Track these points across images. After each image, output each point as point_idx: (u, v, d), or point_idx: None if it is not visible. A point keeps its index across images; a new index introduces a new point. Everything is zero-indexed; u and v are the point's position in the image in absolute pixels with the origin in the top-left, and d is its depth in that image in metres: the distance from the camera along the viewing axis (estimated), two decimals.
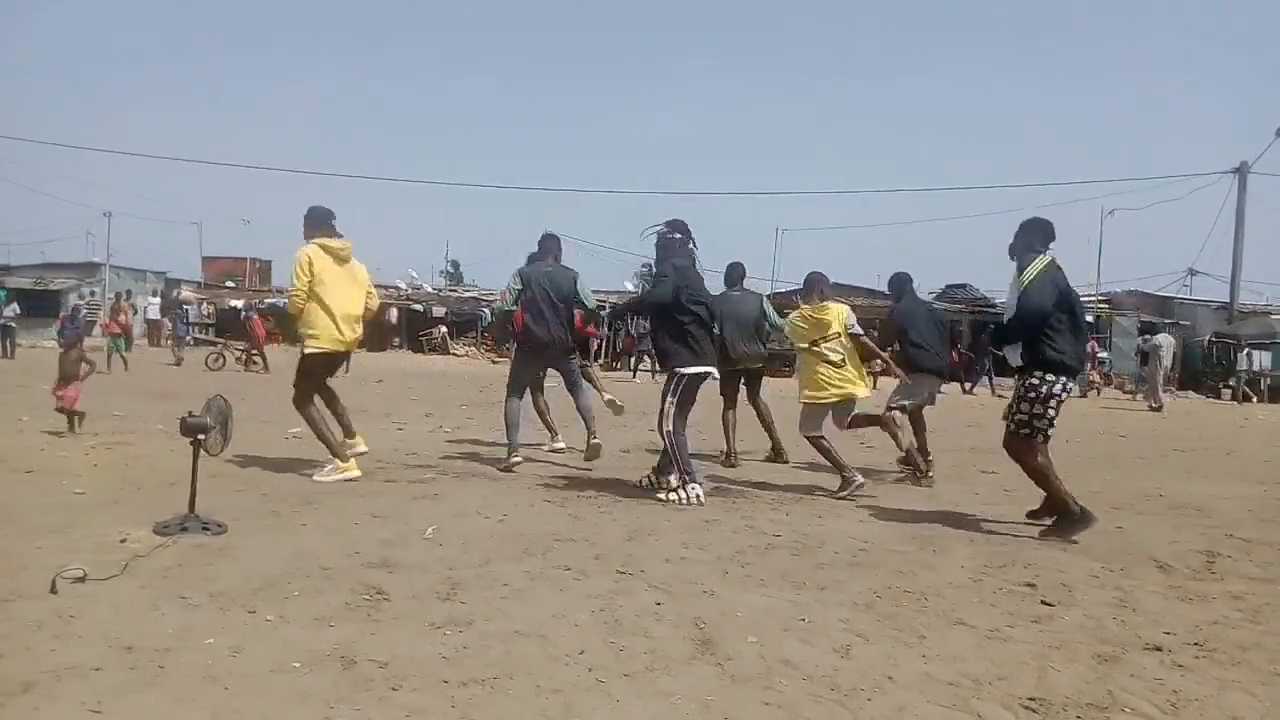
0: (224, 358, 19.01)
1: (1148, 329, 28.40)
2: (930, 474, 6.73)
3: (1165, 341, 19.12)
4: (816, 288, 6.47)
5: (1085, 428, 12.41)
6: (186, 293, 31.09)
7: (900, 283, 7.35)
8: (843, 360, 6.19)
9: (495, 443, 7.72)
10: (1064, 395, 4.86)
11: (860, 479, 6.03)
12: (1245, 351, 25.44)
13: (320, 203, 6.06)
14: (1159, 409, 17.26)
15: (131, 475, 5.60)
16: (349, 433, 6.11)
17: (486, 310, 31.62)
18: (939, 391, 7.38)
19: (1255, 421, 16.11)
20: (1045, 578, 3.99)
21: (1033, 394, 4.83)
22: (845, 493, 5.95)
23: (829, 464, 6.27)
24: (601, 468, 6.82)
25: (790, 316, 6.59)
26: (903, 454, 6.87)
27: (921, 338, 6.92)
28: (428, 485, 5.76)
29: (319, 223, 5.98)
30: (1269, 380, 25.48)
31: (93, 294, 30.52)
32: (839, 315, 6.30)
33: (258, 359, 18.70)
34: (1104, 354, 27.46)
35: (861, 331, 6.39)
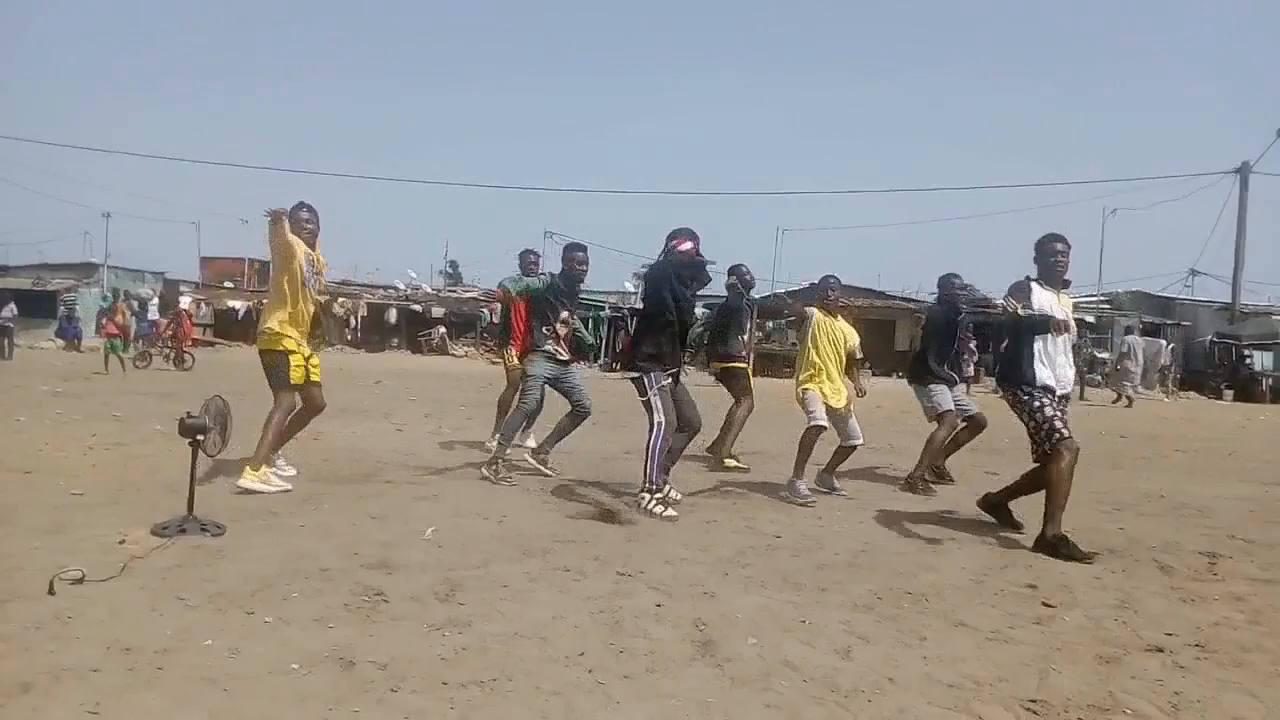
0: (149, 356, 19.10)
1: (1149, 331, 28.47)
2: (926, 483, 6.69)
3: (1134, 342, 20.86)
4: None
5: (1085, 428, 12.40)
6: (143, 290, 31.11)
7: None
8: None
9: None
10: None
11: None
12: (1170, 347, 25.79)
13: (317, 203, 5.94)
14: (1128, 404, 18.80)
15: (130, 476, 5.58)
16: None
17: (486, 310, 31.59)
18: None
19: (1256, 422, 16.11)
20: (1046, 579, 3.98)
21: None
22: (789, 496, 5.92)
23: (833, 465, 6.33)
24: (599, 470, 6.81)
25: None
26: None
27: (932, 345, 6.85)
28: (427, 486, 5.75)
29: None
30: (1270, 380, 25.53)
31: (72, 299, 30.42)
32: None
33: (187, 355, 18.83)
34: (1105, 354, 27.48)
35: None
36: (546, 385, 6.51)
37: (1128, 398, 19.13)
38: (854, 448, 6.19)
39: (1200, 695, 2.70)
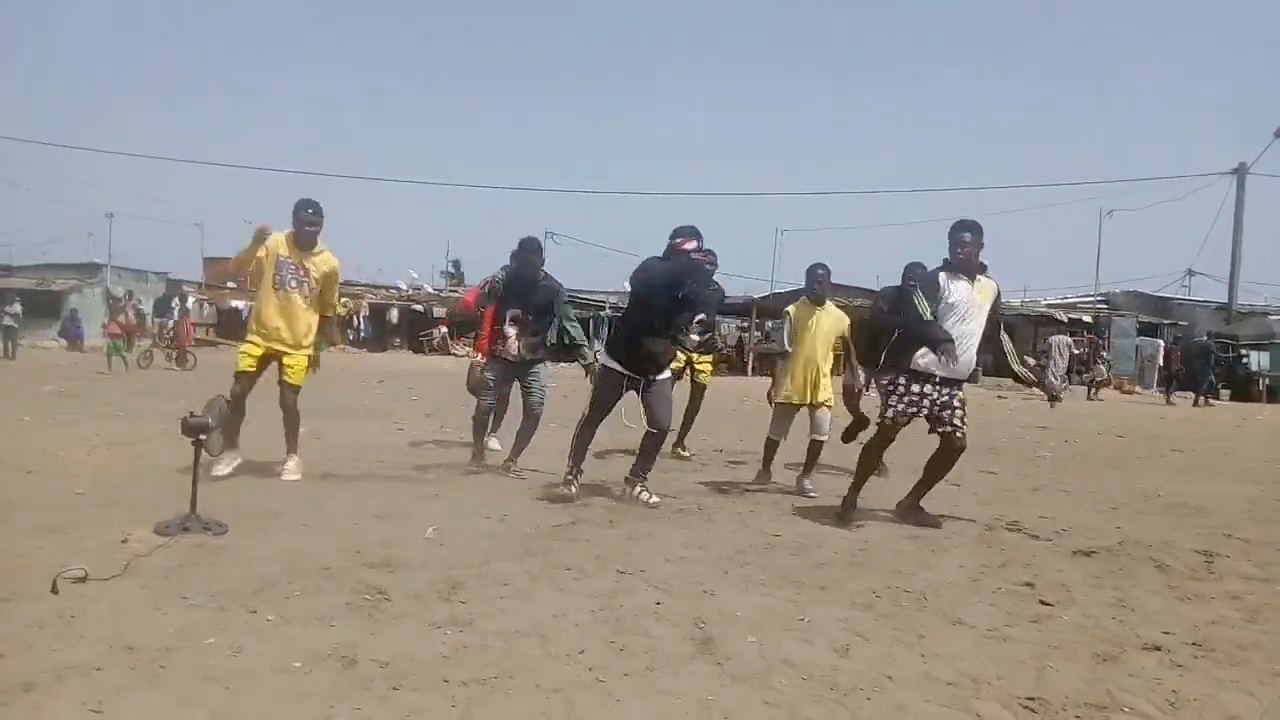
0: (152, 355, 19.28)
1: (1146, 330, 28.51)
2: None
3: (1058, 341, 22.34)
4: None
5: (1084, 427, 12.43)
6: (116, 290, 31.31)
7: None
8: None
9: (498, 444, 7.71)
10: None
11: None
12: (1047, 343, 25.97)
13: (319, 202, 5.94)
14: (1059, 399, 19.19)
15: (133, 475, 5.60)
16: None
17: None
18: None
19: (1253, 421, 16.13)
20: (1043, 577, 4.00)
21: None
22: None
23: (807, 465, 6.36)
24: (597, 469, 6.82)
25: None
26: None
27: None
28: (428, 485, 5.77)
29: None
30: (1266, 380, 25.57)
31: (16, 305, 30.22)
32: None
33: (189, 356, 19.02)
34: (1104, 354, 27.48)
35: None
36: (504, 385, 6.60)
37: (1057, 396, 20.19)
38: (820, 441, 6.20)
39: (1197, 693, 2.71)
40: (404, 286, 36.99)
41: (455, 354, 31.19)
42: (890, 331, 7.00)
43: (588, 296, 32.50)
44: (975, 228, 5.01)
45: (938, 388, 4.95)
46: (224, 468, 5.55)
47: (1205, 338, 23.69)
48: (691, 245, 5.44)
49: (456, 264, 49.93)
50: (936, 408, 4.97)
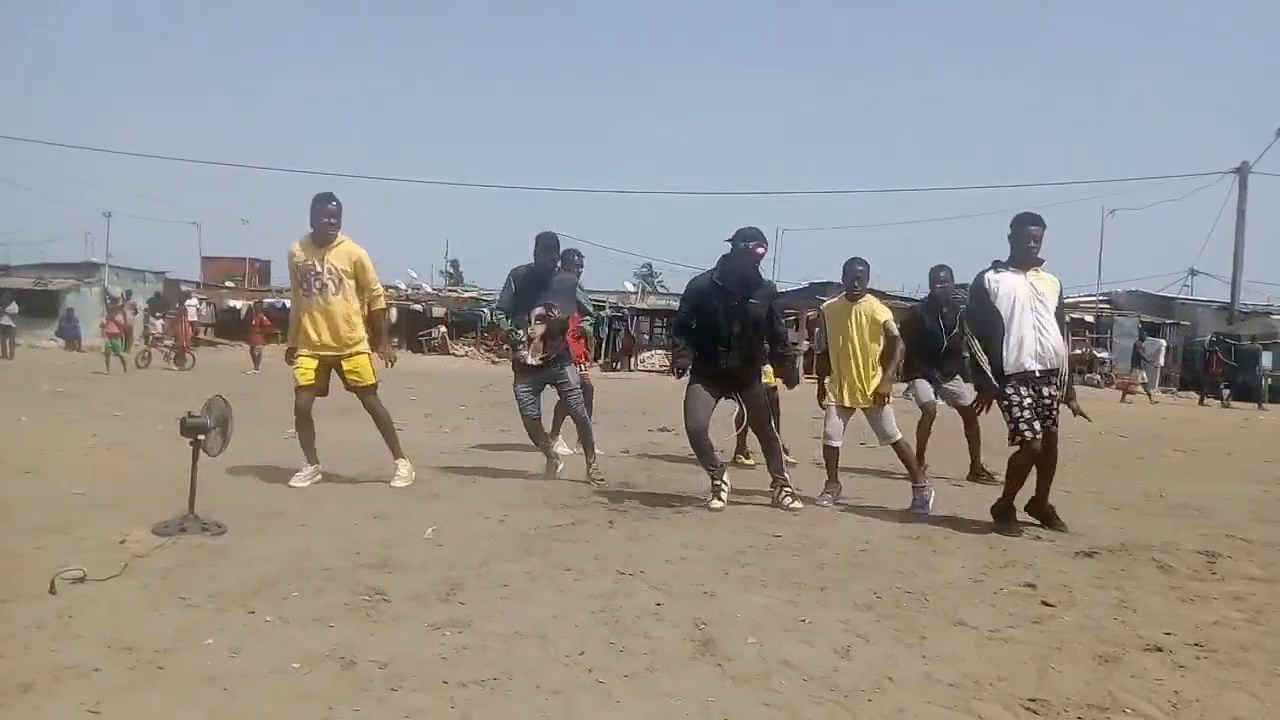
0: (150, 355, 19.42)
1: (1149, 330, 28.52)
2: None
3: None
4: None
5: (1085, 427, 12.41)
6: (113, 289, 31.47)
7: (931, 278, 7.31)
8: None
9: (497, 444, 7.71)
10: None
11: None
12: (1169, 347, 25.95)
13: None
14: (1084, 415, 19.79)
15: (131, 475, 5.59)
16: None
17: (486, 310, 31.60)
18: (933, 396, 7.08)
19: (1255, 421, 16.12)
20: (1045, 578, 3.99)
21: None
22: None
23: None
24: (600, 469, 6.80)
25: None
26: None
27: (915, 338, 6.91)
28: (427, 485, 5.76)
29: None
30: (1270, 380, 25.57)
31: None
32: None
33: (187, 356, 19.15)
34: (1105, 354, 27.52)
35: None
36: (538, 391, 6.20)
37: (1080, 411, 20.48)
38: (896, 444, 5.87)
39: (1199, 694, 2.70)
40: (403, 286, 36.98)
41: (454, 354, 31.21)
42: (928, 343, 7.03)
43: (588, 297, 32.51)
44: (1042, 221, 5.00)
45: (1039, 382, 4.86)
46: (303, 480, 5.51)
47: (1251, 340, 23.56)
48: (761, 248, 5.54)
49: (455, 263, 49.93)
50: (1042, 404, 4.88)
